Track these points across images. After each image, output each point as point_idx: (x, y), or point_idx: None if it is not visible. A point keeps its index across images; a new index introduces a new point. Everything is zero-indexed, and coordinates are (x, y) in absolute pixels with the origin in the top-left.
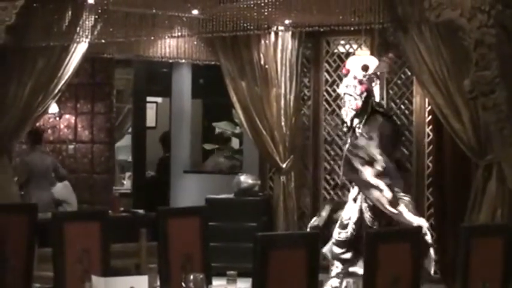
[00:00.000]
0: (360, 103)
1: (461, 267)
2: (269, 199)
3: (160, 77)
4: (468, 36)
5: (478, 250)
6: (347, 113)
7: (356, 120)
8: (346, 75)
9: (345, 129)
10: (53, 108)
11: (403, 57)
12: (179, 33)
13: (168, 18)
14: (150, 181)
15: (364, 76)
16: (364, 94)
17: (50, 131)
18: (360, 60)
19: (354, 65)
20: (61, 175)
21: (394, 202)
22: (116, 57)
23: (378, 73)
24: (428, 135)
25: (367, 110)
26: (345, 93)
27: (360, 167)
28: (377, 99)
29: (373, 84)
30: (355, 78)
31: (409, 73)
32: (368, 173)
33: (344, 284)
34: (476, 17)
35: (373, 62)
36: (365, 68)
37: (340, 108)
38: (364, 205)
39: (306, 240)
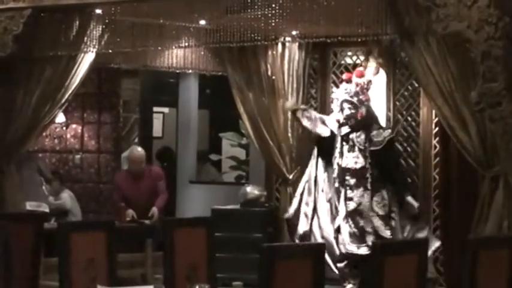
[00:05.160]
0: (363, 111)
1: (467, 278)
2: (275, 210)
3: (167, 88)
4: (475, 48)
5: (485, 262)
6: (344, 120)
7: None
8: (347, 81)
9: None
10: (60, 117)
11: (410, 68)
12: (186, 44)
13: (175, 29)
14: None
15: (364, 83)
16: (368, 102)
17: (56, 141)
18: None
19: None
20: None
21: None
22: (123, 67)
23: (371, 79)
24: (435, 147)
25: (368, 120)
26: (344, 100)
27: None
28: (383, 110)
29: (369, 90)
30: (357, 85)
31: (416, 85)
32: None
33: None
34: (484, 29)
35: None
36: (360, 74)
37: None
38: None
39: (311, 251)
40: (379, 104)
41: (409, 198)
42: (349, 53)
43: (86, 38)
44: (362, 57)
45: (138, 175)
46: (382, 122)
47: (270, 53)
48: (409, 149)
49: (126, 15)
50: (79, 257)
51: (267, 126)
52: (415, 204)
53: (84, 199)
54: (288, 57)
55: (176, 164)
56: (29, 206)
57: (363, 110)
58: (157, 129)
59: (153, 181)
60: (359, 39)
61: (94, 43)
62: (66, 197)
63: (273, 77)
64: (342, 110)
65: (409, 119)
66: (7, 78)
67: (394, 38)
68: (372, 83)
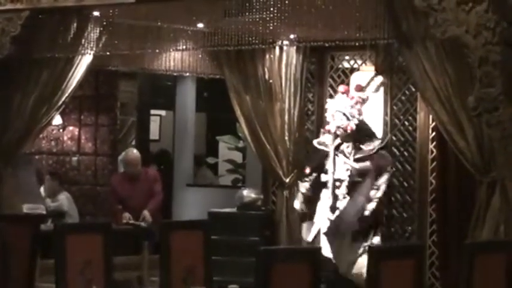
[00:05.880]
0: (353, 125)
1: (464, 283)
2: (272, 213)
3: (164, 90)
4: (473, 53)
5: (481, 266)
6: (335, 130)
7: (345, 143)
8: (344, 93)
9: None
10: (57, 120)
11: (407, 73)
12: (184, 47)
13: (173, 31)
14: None
15: (360, 97)
16: (361, 117)
17: (53, 143)
18: (358, 79)
19: (357, 82)
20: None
21: None
22: (120, 69)
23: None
24: (432, 152)
25: (357, 134)
26: (337, 111)
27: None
28: (380, 114)
29: (364, 105)
30: (352, 98)
31: (413, 89)
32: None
33: None
34: (482, 34)
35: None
36: (359, 88)
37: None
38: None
39: (308, 254)
40: (377, 109)
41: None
42: (347, 57)
43: (83, 40)
44: (359, 61)
45: (134, 177)
46: (380, 126)
47: (267, 56)
48: (405, 153)
49: (123, 18)
50: (75, 259)
51: (264, 130)
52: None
53: (80, 201)
54: (285, 61)
55: (173, 167)
56: (26, 208)
57: (352, 124)
58: (154, 132)
59: (149, 183)
60: (357, 44)
61: (92, 45)
62: (64, 199)
63: (271, 81)
64: (333, 120)
65: (406, 123)
66: (4, 80)
67: (391, 43)
68: (369, 98)
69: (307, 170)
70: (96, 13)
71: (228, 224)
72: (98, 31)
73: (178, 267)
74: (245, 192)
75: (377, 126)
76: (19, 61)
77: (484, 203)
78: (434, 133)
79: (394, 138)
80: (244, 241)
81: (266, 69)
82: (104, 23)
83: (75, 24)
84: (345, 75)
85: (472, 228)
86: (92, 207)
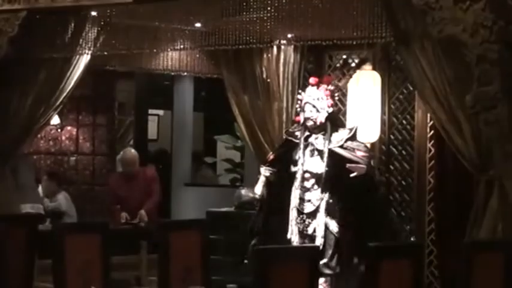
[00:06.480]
0: (322, 117)
1: (462, 282)
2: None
3: (162, 90)
4: (470, 51)
5: (479, 265)
6: (303, 121)
7: (313, 135)
8: (314, 85)
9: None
10: (55, 119)
11: (405, 72)
12: (181, 46)
13: (171, 31)
14: None
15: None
16: (330, 109)
17: (51, 143)
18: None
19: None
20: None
21: None
22: (118, 69)
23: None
24: (430, 151)
25: (326, 126)
26: (307, 102)
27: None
28: (378, 113)
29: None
30: (322, 90)
31: (411, 88)
32: None
33: None
34: (479, 32)
35: (376, 77)
36: (328, 80)
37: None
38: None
39: (306, 253)
40: (374, 108)
41: None
42: (344, 56)
43: (81, 40)
44: (357, 60)
45: (132, 177)
46: (377, 125)
47: (265, 55)
48: (404, 152)
49: (121, 18)
50: (74, 259)
51: (261, 129)
52: None
53: (78, 201)
54: (283, 60)
55: (171, 167)
56: (25, 208)
57: (322, 117)
58: (152, 131)
59: (146, 183)
60: (354, 42)
61: (89, 45)
62: (62, 199)
63: (268, 80)
64: (303, 111)
65: (404, 122)
66: (2, 80)
67: (389, 41)
68: (337, 90)
69: (271, 157)
70: (93, 13)
71: (226, 223)
72: (95, 31)
73: (177, 267)
74: (243, 191)
75: (375, 125)
76: (17, 61)
77: (482, 202)
78: (432, 132)
79: (392, 137)
80: (242, 240)
81: (264, 69)
82: (102, 23)
83: (72, 24)
84: (343, 74)
85: (470, 226)
86: (90, 207)
